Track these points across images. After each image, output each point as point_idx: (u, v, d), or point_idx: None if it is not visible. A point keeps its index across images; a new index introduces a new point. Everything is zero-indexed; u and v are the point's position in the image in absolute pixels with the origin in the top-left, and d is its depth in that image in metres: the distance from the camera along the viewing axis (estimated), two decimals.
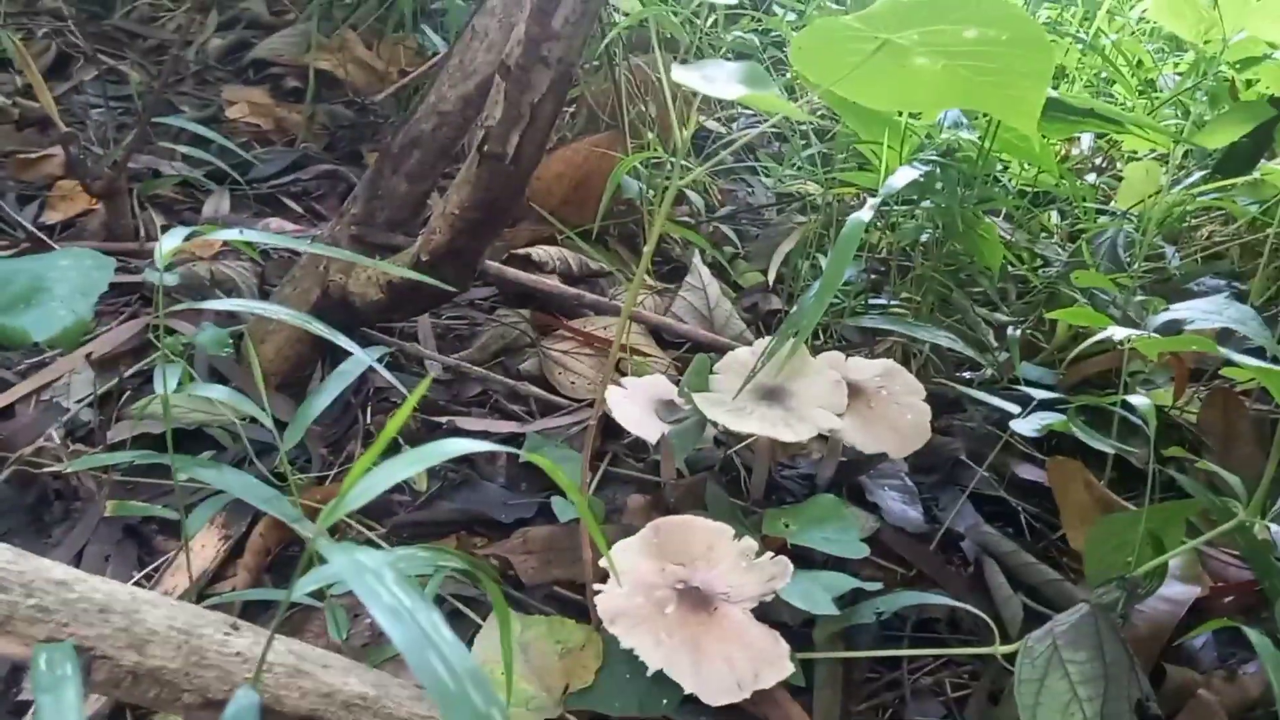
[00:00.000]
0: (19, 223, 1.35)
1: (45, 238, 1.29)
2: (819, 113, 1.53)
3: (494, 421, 1.08)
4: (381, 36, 2.08)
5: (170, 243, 0.65)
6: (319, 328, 0.67)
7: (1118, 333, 0.88)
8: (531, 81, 0.89)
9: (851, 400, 0.92)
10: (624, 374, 1.15)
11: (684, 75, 0.64)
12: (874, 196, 1.08)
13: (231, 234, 0.64)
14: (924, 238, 1.24)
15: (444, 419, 1.06)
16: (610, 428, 1.04)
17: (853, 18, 0.72)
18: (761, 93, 0.64)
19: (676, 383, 1.00)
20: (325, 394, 0.71)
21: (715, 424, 0.89)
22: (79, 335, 0.87)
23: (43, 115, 1.70)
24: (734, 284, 1.46)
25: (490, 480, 0.99)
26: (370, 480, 0.38)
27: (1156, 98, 1.49)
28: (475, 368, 1.16)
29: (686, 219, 1.55)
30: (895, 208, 1.27)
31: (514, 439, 1.06)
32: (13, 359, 1.10)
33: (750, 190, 1.69)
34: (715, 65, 0.68)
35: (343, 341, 0.72)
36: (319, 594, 0.78)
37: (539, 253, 1.38)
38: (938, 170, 1.13)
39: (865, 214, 0.90)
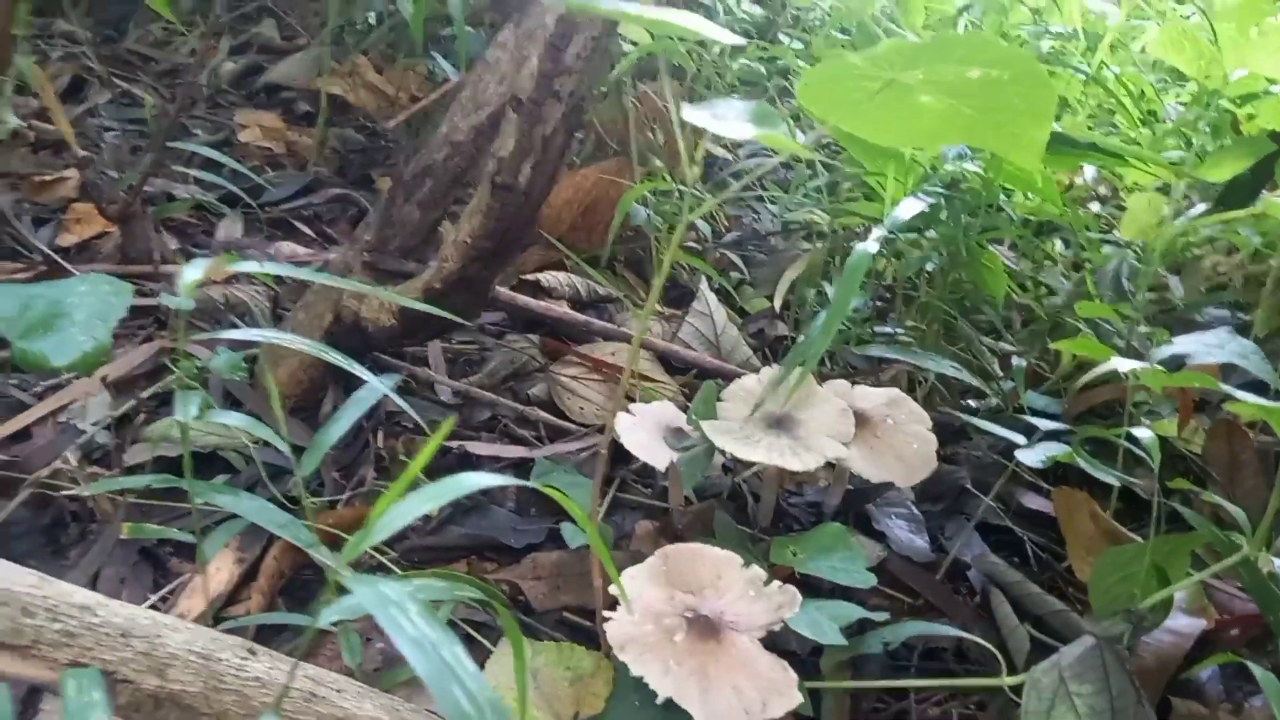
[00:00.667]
0: (35, 245, 1.37)
1: (61, 260, 1.31)
2: (825, 142, 1.55)
3: (503, 446, 1.09)
4: (392, 62, 2.11)
5: (193, 273, 0.66)
6: (335, 357, 0.69)
7: (1122, 364, 0.89)
8: (543, 115, 0.91)
9: (858, 429, 0.93)
10: (632, 400, 1.16)
11: (695, 114, 0.66)
12: (879, 226, 1.10)
13: (252, 267, 0.65)
14: (929, 266, 1.25)
15: (454, 443, 1.07)
16: (618, 453, 1.05)
17: (859, 57, 0.74)
18: (770, 132, 0.65)
19: (684, 409, 1.01)
20: (341, 421, 0.72)
21: (723, 452, 0.90)
22: (98, 360, 0.88)
23: (58, 138, 1.72)
24: (740, 310, 1.47)
25: (500, 505, 1.00)
26: (394, 513, 0.39)
27: (1159, 127, 1.51)
28: (485, 392, 1.17)
29: (693, 245, 1.57)
30: (901, 236, 1.29)
31: (523, 464, 1.08)
32: (29, 381, 1.11)
33: (756, 217, 1.71)
34: (725, 104, 0.69)
35: (357, 370, 0.73)
36: None
37: (548, 278, 1.39)
38: (942, 201, 1.15)
39: (871, 245, 0.92)
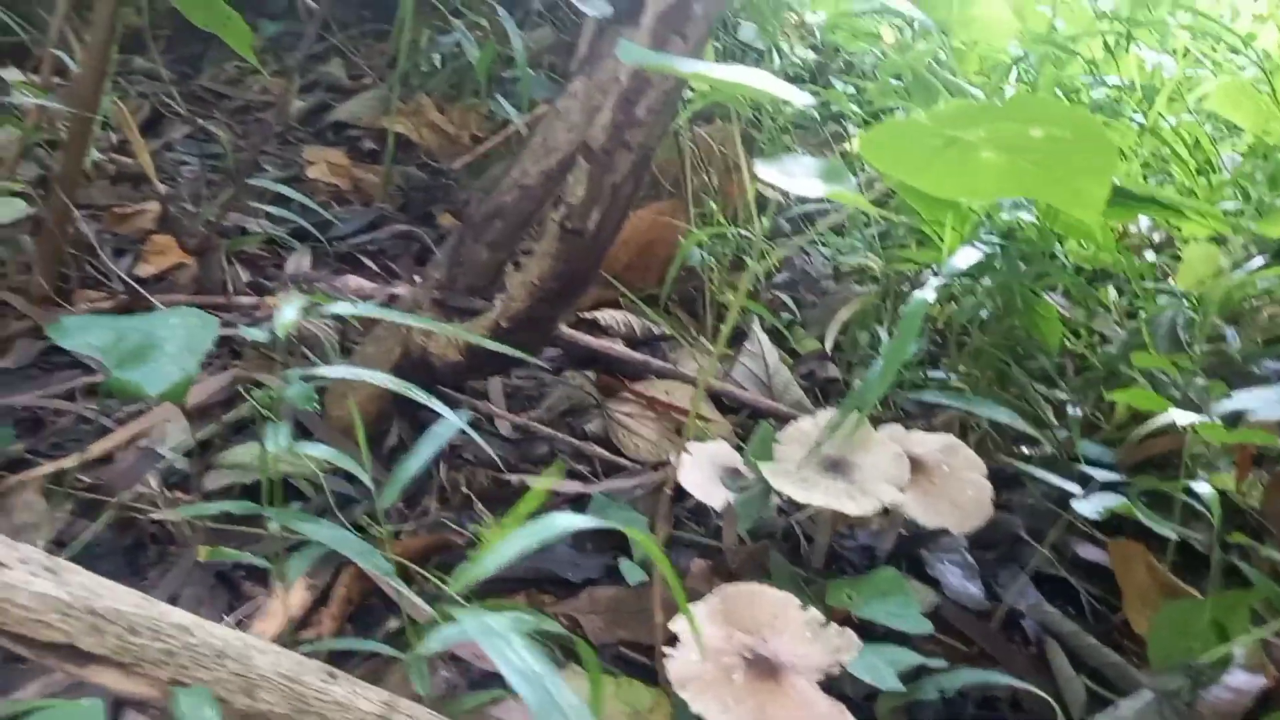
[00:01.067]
0: (117, 275, 1.44)
1: (142, 291, 1.37)
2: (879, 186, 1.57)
3: (562, 481, 1.12)
4: (454, 102, 2.18)
5: (289, 314, 0.70)
6: (420, 395, 0.72)
7: (1180, 417, 0.90)
8: (614, 164, 0.95)
9: (914, 474, 0.95)
10: (689, 440, 1.18)
11: (767, 172, 0.69)
12: (934, 272, 1.11)
13: (347, 309, 0.69)
14: (982, 313, 1.26)
15: (514, 476, 1.10)
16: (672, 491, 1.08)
17: (922, 115, 0.76)
18: (841, 190, 0.68)
19: (738, 449, 1.03)
20: (420, 455, 0.75)
21: (779, 494, 0.91)
22: (185, 390, 0.93)
23: (136, 171, 1.81)
24: (791, 351, 1.49)
25: (558, 539, 1.03)
26: (499, 551, 0.41)
27: (1215, 177, 1.51)
28: (543, 427, 1.21)
29: (749, 287, 1.60)
30: (956, 281, 1.30)
31: (580, 499, 1.10)
32: (111, 407, 1.17)
33: (807, 258, 1.73)
34: (795, 160, 0.72)
35: (436, 405, 0.77)
36: (400, 645, 0.81)
37: (605, 316, 1.43)
38: (998, 249, 1.16)
39: (928, 294, 0.94)
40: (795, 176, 0.69)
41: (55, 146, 1.70)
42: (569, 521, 0.45)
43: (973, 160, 0.84)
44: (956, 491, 0.96)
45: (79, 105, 1.33)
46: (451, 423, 0.77)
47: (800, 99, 0.74)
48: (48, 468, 1.04)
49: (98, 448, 1.09)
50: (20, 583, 0.53)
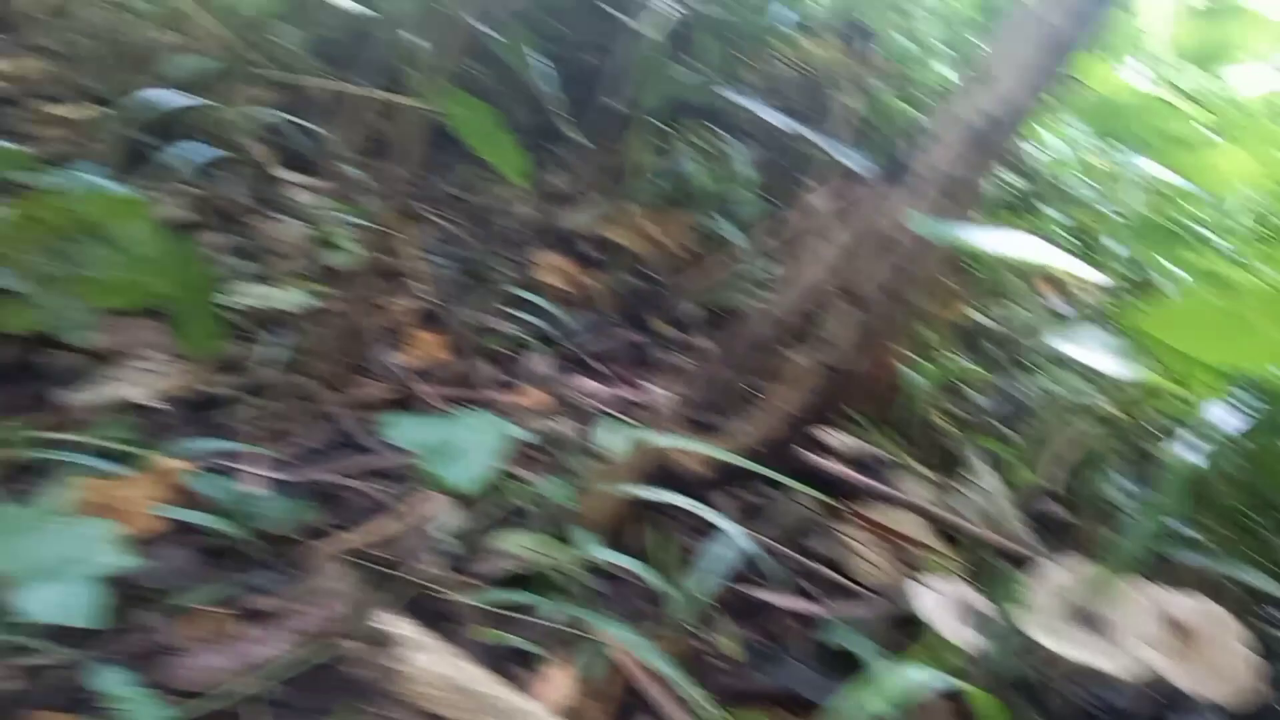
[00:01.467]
0: (390, 368, 1.62)
1: (416, 384, 1.54)
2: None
3: (795, 599, 1.17)
4: (667, 214, 2.35)
5: (612, 440, 0.81)
6: (711, 516, 0.80)
7: None
8: (877, 310, 1.02)
9: (1171, 637, 0.94)
10: (918, 569, 1.21)
11: (1067, 346, 0.74)
12: (1177, 422, 1.11)
13: (672, 442, 0.79)
14: (1228, 466, 1.24)
15: (751, 590, 1.16)
16: (904, 623, 1.10)
17: (1218, 299, 0.80)
18: (1140, 370, 0.72)
19: (972, 586, 1.05)
20: (713, 571, 0.83)
21: (1031, 641, 0.93)
22: (481, 485, 1.06)
23: (392, 267, 2.05)
24: (1010, 484, 1.49)
25: (797, 658, 1.07)
26: (878, 697, 0.48)
27: None
28: (772, 543, 1.26)
29: (962, 413, 1.62)
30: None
31: (809, 619, 1.15)
32: (392, 488, 1.32)
33: (1023, 388, 1.73)
34: (1088, 332, 0.78)
35: (722, 524, 0.84)
36: None
37: (827, 437, 1.48)
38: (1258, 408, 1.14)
39: (1195, 458, 0.95)
40: (1094, 351, 0.74)
41: (328, 244, 1.96)
42: (932, 679, 0.50)
43: (1253, 332, 0.86)
44: (1217, 658, 0.94)
45: (388, 215, 1.55)
46: (736, 543, 0.84)
47: (1091, 276, 0.79)
48: (347, 538, 1.19)
49: (383, 524, 1.24)
50: (424, 661, 0.63)
